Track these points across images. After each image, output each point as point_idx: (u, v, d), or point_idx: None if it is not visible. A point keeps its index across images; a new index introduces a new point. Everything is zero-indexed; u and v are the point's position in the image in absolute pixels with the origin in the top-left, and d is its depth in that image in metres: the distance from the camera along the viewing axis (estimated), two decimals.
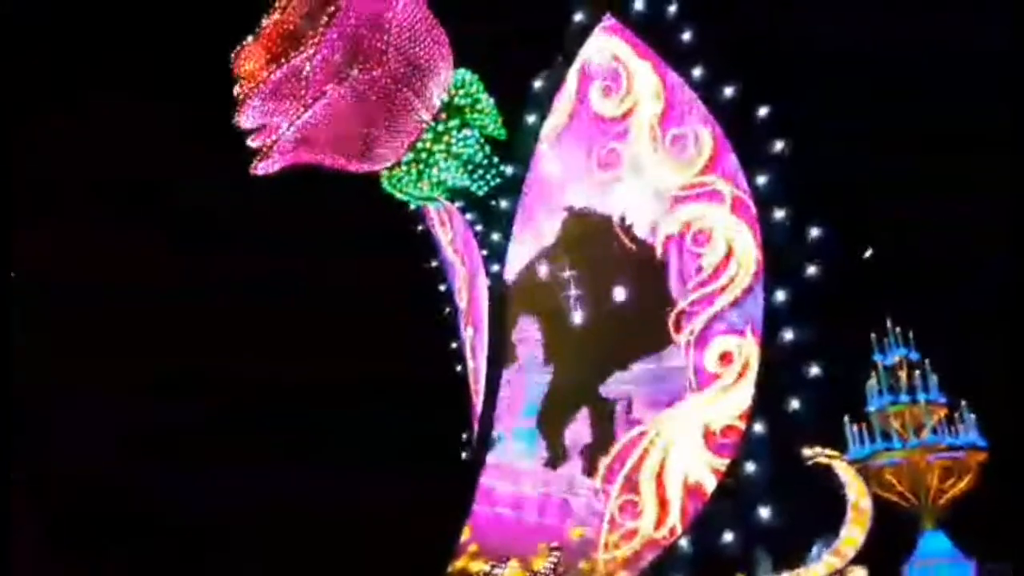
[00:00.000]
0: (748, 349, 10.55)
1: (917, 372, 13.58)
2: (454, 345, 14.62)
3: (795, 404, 10.03)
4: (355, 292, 18.88)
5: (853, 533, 8.53)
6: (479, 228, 13.54)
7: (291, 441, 20.64)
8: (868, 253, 19.19)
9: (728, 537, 9.39)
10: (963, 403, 13.07)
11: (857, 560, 15.13)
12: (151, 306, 18.38)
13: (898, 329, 13.98)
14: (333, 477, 19.75)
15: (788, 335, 10.52)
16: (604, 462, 10.90)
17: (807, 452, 9.24)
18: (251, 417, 20.49)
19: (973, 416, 13.00)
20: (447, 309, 15.09)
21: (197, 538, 19.19)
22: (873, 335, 14.21)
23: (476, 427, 12.82)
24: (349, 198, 14.59)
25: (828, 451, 9.43)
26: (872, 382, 13.96)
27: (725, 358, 10.70)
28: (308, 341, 19.98)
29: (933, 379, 13.48)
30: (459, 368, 14.58)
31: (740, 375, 10.40)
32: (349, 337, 19.42)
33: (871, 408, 13.80)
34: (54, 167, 16.59)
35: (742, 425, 10.00)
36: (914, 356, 13.73)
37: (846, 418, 13.85)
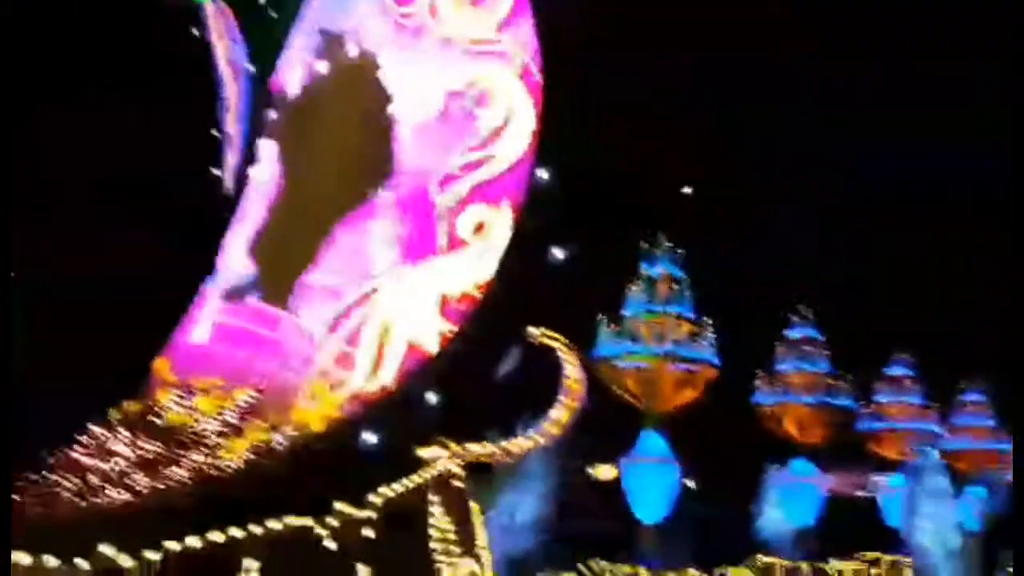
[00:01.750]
0: (503, 222, 10.00)
1: (676, 287, 13.95)
2: (216, 172, 13.14)
3: (540, 286, 9.69)
4: None
5: (560, 416, 8.38)
6: (250, 40, 11.96)
7: None
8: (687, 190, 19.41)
9: (432, 398, 9.01)
10: (709, 322, 13.55)
11: (581, 453, 16.01)
12: (151, 305, 16.35)
13: (669, 244, 14.27)
14: None
15: (548, 217, 10.06)
16: (329, 309, 10.08)
17: (533, 331, 8.94)
18: None
19: (714, 336, 13.55)
20: (218, 130, 13.48)
21: None
22: (644, 244, 14.45)
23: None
24: None
25: (552, 334, 9.20)
26: (634, 288, 14.28)
27: (480, 228, 10.12)
28: None
29: (688, 295, 13.90)
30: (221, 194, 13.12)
31: (489, 246, 9.87)
32: None
33: (627, 312, 14.12)
34: (54, 167, 14.32)
35: (479, 295, 9.52)
36: (677, 273, 14.05)
37: (601, 317, 14.13)
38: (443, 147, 10.58)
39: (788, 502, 16.48)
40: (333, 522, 6.75)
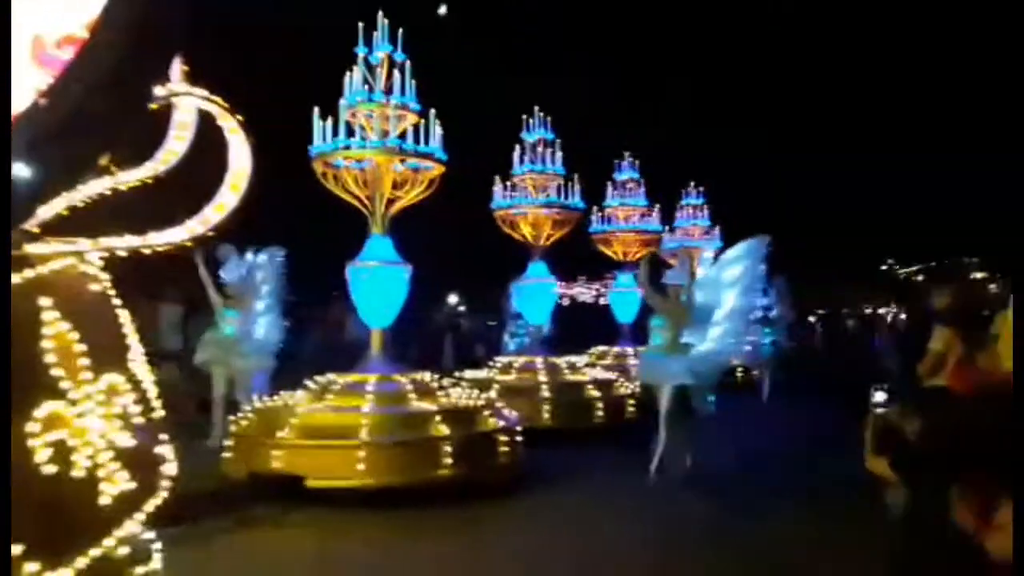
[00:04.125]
0: None
1: (397, 72, 12.45)
2: None
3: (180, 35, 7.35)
4: None
5: (227, 199, 6.56)
6: None
7: None
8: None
9: (32, 176, 6.71)
10: (432, 113, 12.31)
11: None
12: None
13: (387, 25, 12.58)
14: None
15: None
16: None
17: (161, 91, 6.58)
18: None
19: (441, 130, 12.40)
20: None
21: None
22: (361, 24, 12.62)
23: None
24: None
25: (206, 93, 6.92)
26: (352, 77, 12.57)
27: None
28: None
29: (412, 84, 12.50)
30: None
31: None
32: None
33: (344, 103, 12.47)
34: None
35: (85, 36, 6.94)
36: (399, 56, 12.50)
37: (316, 110, 12.36)
38: None
39: (527, 303, 16.80)
40: None
